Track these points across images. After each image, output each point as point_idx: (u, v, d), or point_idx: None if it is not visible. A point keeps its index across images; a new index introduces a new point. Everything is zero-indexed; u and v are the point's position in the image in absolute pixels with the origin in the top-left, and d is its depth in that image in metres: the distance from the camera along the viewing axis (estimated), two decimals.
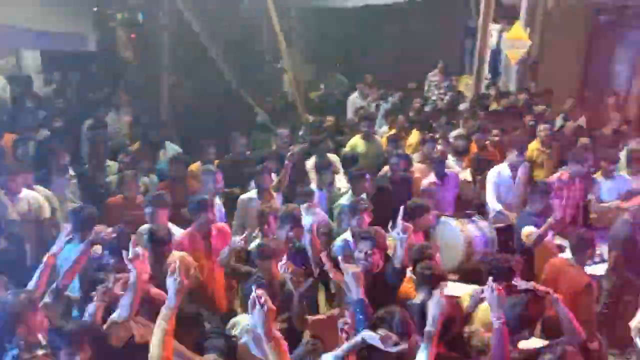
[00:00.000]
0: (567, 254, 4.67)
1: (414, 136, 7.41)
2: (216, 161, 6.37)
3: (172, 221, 4.73)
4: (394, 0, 10.96)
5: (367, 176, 5.60)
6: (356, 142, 6.93)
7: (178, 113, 9.50)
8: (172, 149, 7.10)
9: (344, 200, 5.49)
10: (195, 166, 6.20)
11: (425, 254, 4.02)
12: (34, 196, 5.24)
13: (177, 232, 4.52)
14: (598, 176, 6.12)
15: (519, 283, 3.52)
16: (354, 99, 9.78)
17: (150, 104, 9.64)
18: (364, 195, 5.52)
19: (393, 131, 7.63)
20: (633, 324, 3.93)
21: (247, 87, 9.89)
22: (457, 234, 5.19)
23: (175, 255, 4.19)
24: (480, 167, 6.28)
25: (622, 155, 6.60)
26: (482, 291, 3.21)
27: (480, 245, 5.21)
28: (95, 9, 9.93)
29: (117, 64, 10.43)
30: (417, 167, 6.45)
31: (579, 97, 9.93)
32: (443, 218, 5.48)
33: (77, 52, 9.78)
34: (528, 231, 4.84)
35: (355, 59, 11.68)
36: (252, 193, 5.51)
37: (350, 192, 5.57)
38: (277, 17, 10.12)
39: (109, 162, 6.41)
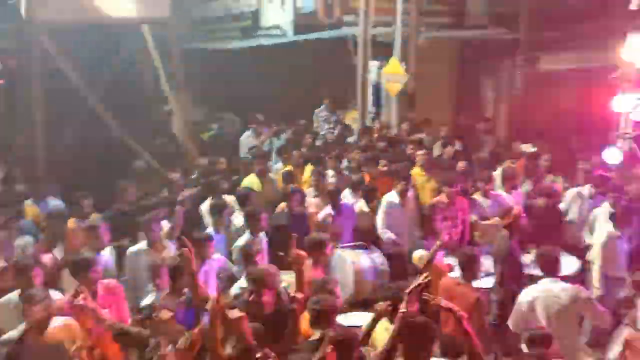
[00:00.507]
0: (457, 273, 4.93)
1: (308, 171, 7.52)
2: (94, 215, 5.98)
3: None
4: (280, 41, 11.25)
5: (263, 215, 5.56)
6: (251, 181, 6.88)
7: (55, 165, 8.83)
8: (52, 204, 6.60)
9: (241, 241, 5.39)
10: (71, 222, 5.78)
11: (325, 288, 4.05)
12: None
13: (56, 296, 4.13)
14: (477, 196, 6.57)
15: (429, 297, 3.61)
16: (247, 138, 9.76)
17: (24, 158, 8.90)
18: (262, 234, 5.48)
19: (288, 168, 7.70)
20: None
21: (132, 133, 9.50)
22: (349, 265, 5.28)
23: (58, 322, 3.83)
24: (372, 197, 6.46)
25: (497, 175, 7.16)
26: None
27: (370, 276, 5.32)
28: None
29: None
30: (311, 201, 6.52)
31: (454, 124, 10.71)
32: (337, 250, 5.56)
33: None
34: (419, 255, 5.07)
35: (246, 98, 11.73)
36: (142, 244, 5.22)
37: (247, 232, 5.49)
38: (160, 59, 9.93)
39: None
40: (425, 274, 3.72)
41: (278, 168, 7.95)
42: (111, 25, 9.77)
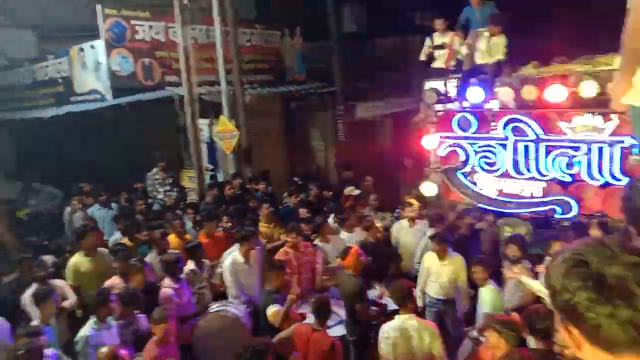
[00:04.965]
0: (311, 319, 4.98)
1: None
2: None
3: None
4: (101, 105, 10.68)
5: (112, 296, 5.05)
6: (79, 261, 6.18)
7: None
8: None
9: (85, 330, 4.81)
10: None
11: None
12: None
13: None
14: (318, 241, 6.79)
15: None
16: (71, 212, 8.92)
17: None
18: (111, 320, 4.93)
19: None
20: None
21: None
22: (226, 319, 5.28)
23: None
24: (198, 256, 6.18)
25: (330, 219, 7.51)
26: None
27: (249, 323, 5.39)
28: None
29: None
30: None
31: (290, 174, 11.10)
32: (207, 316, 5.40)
33: None
34: (273, 310, 5.02)
35: (69, 168, 10.80)
36: None
37: (94, 319, 4.90)
38: None
39: None
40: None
41: (116, 239, 7.31)
42: None
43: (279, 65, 13.19)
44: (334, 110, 12.50)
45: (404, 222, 7.15)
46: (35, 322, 5.05)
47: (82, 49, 11.32)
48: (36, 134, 11.52)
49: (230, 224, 7.25)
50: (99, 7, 10.50)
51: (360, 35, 14.36)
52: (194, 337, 5.24)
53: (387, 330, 4.49)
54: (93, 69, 11.07)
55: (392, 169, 10.43)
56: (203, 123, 10.39)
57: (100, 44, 10.68)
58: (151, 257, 6.34)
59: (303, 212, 7.73)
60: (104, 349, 4.31)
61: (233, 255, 6.06)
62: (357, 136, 12.20)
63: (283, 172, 11.17)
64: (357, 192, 8.83)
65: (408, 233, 7.04)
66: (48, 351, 4.59)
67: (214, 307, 5.60)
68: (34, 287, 5.57)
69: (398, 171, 10.18)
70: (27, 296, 5.54)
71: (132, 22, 10.97)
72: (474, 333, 4.81)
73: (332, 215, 7.55)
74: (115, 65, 10.65)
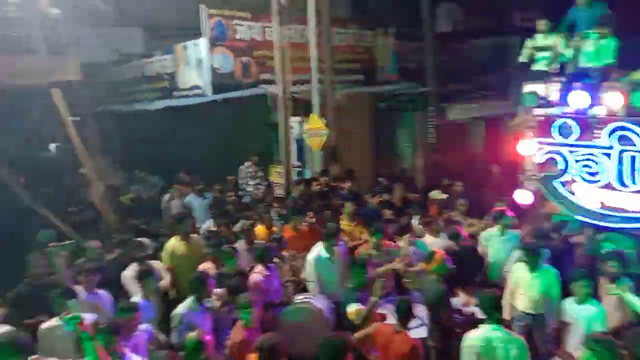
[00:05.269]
0: (392, 320, 4.95)
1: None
2: None
3: None
4: (202, 100, 11.26)
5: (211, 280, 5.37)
6: (175, 245, 6.60)
7: None
8: None
9: (182, 308, 5.13)
10: None
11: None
12: None
13: None
14: (401, 243, 6.70)
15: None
16: (169, 199, 9.50)
17: None
18: (207, 302, 5.23)
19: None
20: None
21: (43, 201, 8.94)
22: (310, 311, 5.38)
23: None
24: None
25: (415, 221, 7.38)
26: None
27: (330, 315, 5.47)
28: None
29: None
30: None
31: (375, 174, 11.06)
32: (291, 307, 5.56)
33: None
34: (354, 309, 5.04)
35: (169, 159, 11.50)
36: (56, 320, 4.82)
37: (192, 299, 5.21)
38: (73, 123, 9.56)
39: None
40: None
41: (208, 226, 7.72)
42: (18, 90, 9.31)
43: (371, 64, 13.17)
44: (424, 111, 12.29)
45: (495, 230, 6.87)
46: (135, 299, 5.45)
47: (186, 47, 11.96)
48: (139, 125, 12.33)
49: (314, 219, 7.38)
50: (202, 6, 11.05)
51: (455, 35, 14.00)
52: (278, 325, 5.39)
53: (472, 339, 4.32)
54: (195, 66, 11.67)
55: (482, 175, 10.07)
56: (294, 121, 10.63)
57: (203, 42, 11.23)
58: (239, 245, 6.63)
59: (387, 213, 7.68)
60: (192, 334, 4.54)
61: (318, 250, 6.17)
62: (448, 139, 11.92)
63: (369, 172, 11.14)
64: (443, 196, 8.62)
65: (498, 242, 6.75)
66: (143, 326, 4.95)
67: (299, 298, 5.76)
68: (134, 266, 6.02)
69: (489, 177, 9.82)
70: (127, 274, 5.99)
71: (233, 22, 11.44)
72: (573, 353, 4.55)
73: (417, 218, 7.44)
74: (216, 63, 11.15)
